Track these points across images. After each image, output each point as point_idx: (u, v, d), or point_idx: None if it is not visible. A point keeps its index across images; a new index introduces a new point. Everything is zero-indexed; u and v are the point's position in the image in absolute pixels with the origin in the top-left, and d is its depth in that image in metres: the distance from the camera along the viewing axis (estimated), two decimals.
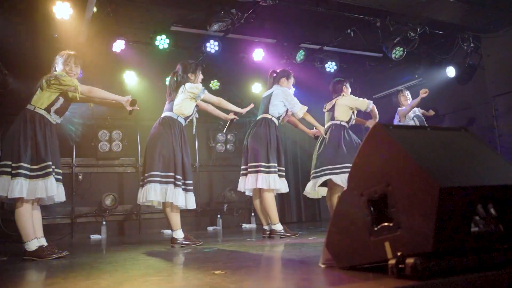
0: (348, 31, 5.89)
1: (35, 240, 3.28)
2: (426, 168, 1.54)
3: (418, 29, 5.69)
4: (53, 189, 3.26)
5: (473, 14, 5.41)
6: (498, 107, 3.93)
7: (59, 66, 3.51)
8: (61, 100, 3.44)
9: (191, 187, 3.92)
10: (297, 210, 8.08)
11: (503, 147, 5.64)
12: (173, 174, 3.76)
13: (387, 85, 7.48)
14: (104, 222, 6.41)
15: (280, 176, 4.40)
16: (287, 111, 4.62)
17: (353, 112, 4.70)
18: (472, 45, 6.02)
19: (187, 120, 4.08)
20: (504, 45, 5.79)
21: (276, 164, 4.36)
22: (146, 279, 2.13)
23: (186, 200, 3.83)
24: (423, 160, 1.59)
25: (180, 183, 3.78)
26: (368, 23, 5.61)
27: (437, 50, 6.54)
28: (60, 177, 3.46)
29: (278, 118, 4.56)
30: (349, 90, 4.88)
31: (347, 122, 4.66)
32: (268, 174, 4.27)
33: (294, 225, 6.87)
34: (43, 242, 3.38)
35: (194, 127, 4.21)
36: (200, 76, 4.15)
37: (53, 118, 3.44)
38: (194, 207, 4.00)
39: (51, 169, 3.28)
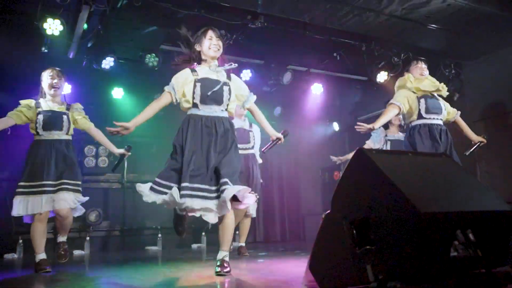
0: (335, 54, 5.99)
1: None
2: (408, 194, 1.57)
3: (402, 55, 5.82)
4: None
5: (455, 42, 5.56)
6: (477, 132, 4.01)
7: (44, 81, 3.57)
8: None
9: None
10: (281, 228, 8.05)
11: (482, 172, 5.74)
12: None
13: (372, 108, 7.58)
14: (87, 238, 6.30)
15: None
16: None
17: None
18: (453, 71, 6.16)
19: None
20: (484, 72, 5.95)
21: None
22: None
23: None
24: (405, 185, 1.62)
25: None
26: (354, 47, 5.72)
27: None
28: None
29: None
30: None
31: None
32: None
33: (278, 244, 6.85)
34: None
35: None
36: None
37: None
38: None
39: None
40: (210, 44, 2.97)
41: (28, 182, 3.35)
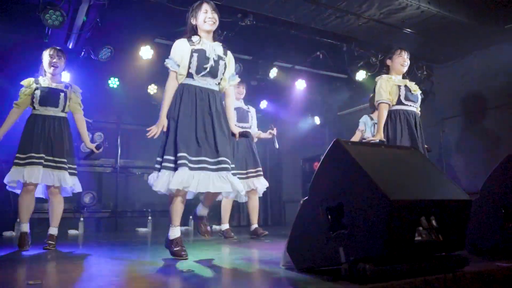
0: (318, 53, 6.01)
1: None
2: (378, 182, 1.60)
3: (379, 56, 5.87)
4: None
5: (427, 46, 5.62)
6: (444, 129, 4.08)
7: (44, 60, 3.53)
8: None
9: None
10: (263, 214, 8.10)
11: (447, 164, 5.86)
12: None
13: (351, 104, 7.63)
14: (82, 219, 6.26)
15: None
16: None
17: None
18: (425, 73, 6.23)
19: None
20: (453, 75, 6.04)
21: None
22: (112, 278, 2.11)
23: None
24: (376, 174, 1.65)
25: None
26: (336, 47, 5.75)
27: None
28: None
29: None
30: None
31: None
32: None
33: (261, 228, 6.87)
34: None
35: None
36: None
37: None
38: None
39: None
40: (205, 17, 2.72)
41: (25, 154, 3.26)
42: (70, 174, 3.44)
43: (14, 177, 3.22)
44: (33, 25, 4.75)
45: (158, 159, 2.58)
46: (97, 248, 3.66)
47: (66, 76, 4.70)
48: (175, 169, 2.49)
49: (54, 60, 3.49)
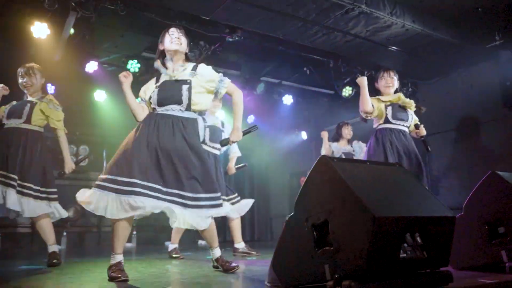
0: (305, 69, 6.09)
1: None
2: (363, 198, 1.60)
3: (365, 72, 5.96)
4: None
5: (412, 63, 5.73)
6: (429, 144, 4.11)
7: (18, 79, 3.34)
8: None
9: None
10: (250, 229, 8.05)
11: (431, 180, 5.92)
12: None
13: (338, 119, 7.65)
14: (64, 233, 6.13)
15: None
16: None
17: None
18: (410, 89, 6.34)
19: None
20: (436, 92, 6.16)
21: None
22: None
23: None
24: (361, 191, 1.65)
25: None
26: (323, 63, 5.83)
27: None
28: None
29: None
30: None
31: None
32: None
33: (246, 244, 6.81)
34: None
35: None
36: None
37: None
38: None
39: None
40: (172, 38, 2.63)
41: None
42: (51, 200, 3.23)
43: None
44: (19, 37, 4.69)
45: None
46: (79, 264, 3.57)
47: (50, 89, 4.64)
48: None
49: (25, 80, 3.29)
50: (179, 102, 2.54)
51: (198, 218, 2.43)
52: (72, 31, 4.70)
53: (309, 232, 1.79)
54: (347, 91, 6.31)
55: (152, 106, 2.58)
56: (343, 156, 5.05)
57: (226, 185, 4.19)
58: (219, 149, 4.15)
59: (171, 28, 2.69)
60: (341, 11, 4.39)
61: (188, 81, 2.58)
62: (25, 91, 3.35)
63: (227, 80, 2.73)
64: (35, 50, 4.90)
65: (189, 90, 2.56)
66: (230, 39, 4.90)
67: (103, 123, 6.80)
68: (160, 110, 2.55)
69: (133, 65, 5.32)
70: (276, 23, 4.66)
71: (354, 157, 5.04)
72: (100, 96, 6.26)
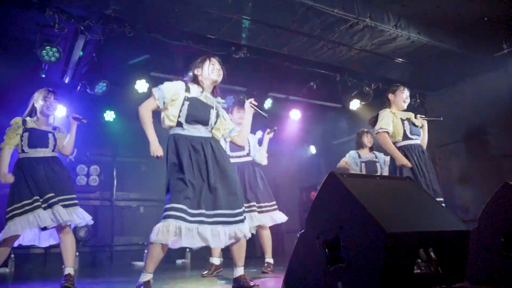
0: (311, 83, 6.10)
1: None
2: (375, 215, 1.59)
3: (373, 85, 5.96)
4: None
5: (419, 75, 5.72)
6: (440, 156, 4.08)
7: (38, 102, 3.37)
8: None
9: None
10: (260, 244, 7.96)
11: (443, 192, 5.82)
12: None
13: (346, 133, 7.68)
14: (76, 253, 6.14)
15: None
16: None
17: None
18: (418, 101, 6.31)
19: None
20: (445, 102, 6.12)
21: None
22: None
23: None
24: (373, 207, 1.64)
25: None
26: (329, 77, 5.84)
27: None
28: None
29: None
30: None
31: None
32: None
33: (258, 260, 6.76)
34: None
35: None
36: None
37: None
38: None
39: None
40: (213, 68, 2.72)
41: (20, 202, 3.07)
42: (73, 205, 3.32)
43: (16, 230, 3.00)
44: (30, 60, 4.81)
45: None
46: (92, 285, 3.56)
47: (62, 110, 4.71)
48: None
49: (52, 104, 3.40)
50: (206, 124, 2.64)
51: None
52: (81, 53, 4.79)
53: (321, 249, 1.78)
54: (354, 104, 6.30)
55: (179, 119, 2.58)
56: (364, 166, 5.00)
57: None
58: (240, 157, 4.19)
59: (213, 58, 2.78)
60: (346, 26, 4.41)
61: (216, 107, 2.72)
62: (47, 113, 3.41)
63: (236, 130, 2.90)
64: (46, 72, 5.01)
65: (217, 116, 2.71)
66: (237, 56, 4.94)
67: (113, 143, 6.87)
68: (187, 128, 2.59)
69: (142, 85, 5.38)
70: (281, 39, 4.70)
71: (378, 164, 5.01)
72: (109, 116, 6.34)
